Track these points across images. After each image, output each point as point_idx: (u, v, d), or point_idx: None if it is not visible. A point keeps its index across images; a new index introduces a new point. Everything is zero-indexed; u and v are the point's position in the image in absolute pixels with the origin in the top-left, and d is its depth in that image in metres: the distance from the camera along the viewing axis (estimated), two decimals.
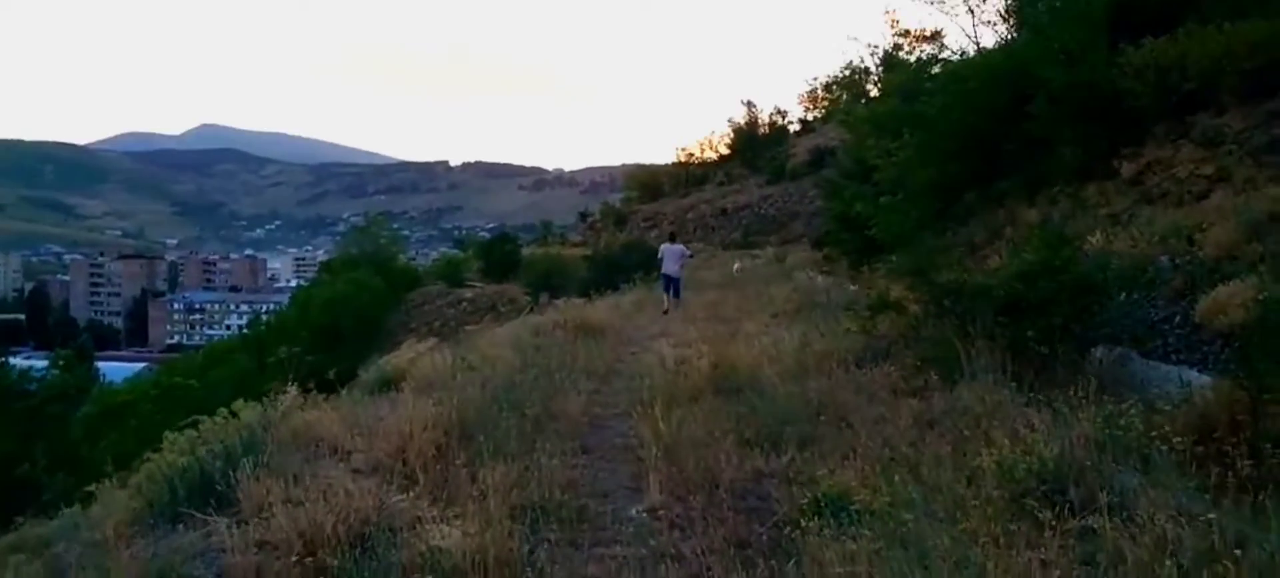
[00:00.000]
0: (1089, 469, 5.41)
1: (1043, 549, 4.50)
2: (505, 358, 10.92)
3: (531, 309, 46.69)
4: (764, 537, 5.54)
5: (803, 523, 5.30)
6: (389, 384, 10.61)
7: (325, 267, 74.38)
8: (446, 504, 5.90)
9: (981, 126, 21.90)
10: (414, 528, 5.45)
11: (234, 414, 7.69)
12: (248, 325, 74.46)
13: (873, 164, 22.25)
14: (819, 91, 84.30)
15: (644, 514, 6.08)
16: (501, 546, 5.07)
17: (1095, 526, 4.74)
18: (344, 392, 11.52)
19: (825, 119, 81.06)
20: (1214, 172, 13.24)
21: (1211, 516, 4.58)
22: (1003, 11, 26.91)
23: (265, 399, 8.72)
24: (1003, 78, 21.19)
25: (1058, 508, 4.97)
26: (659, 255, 22.62)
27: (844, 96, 50.57)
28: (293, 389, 8.63)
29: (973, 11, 27.70)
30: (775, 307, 17.58)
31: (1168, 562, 4.16)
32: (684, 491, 6.31)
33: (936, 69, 27.63)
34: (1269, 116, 13.67)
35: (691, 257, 23.60)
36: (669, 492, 6.31)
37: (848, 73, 45.58)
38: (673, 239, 23.81)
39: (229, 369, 53.87)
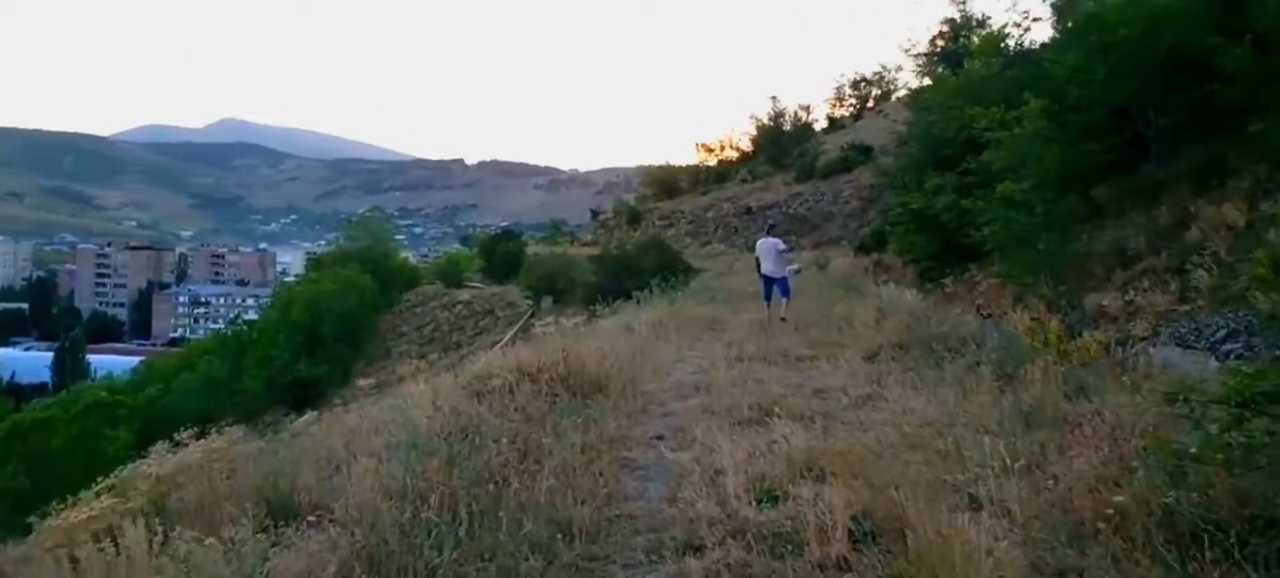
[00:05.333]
0: None
1: None
2: (377, 484, 5.06)
3: (532, 314, 41.62)
4: None
5: None
6: None
7: (315, 262, 68.84)
8: None
9: (1133, 93, 16.14)
10: None
11: None
12: (231, 322, 69.03)
13: (981, 138, 16.46)
14: (846, 89, 79.03)
15: None
16: None
17: None
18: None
19: (856, 116, 75.78)
20: None
21: None
22: None
23: None
24: (1166, 24, 15.44)
25: None
26: (756, 255, 17.47)
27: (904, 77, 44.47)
28: None
29: None
30: (862, 340, 11.75)
31: None
32: None
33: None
34: None
35: (789, 251, 17.75)
36: None
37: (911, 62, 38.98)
38: (771, 232, 18.08)
39: (197, 374, 48.69)
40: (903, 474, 5.24)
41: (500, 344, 24.20)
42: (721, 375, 9.66)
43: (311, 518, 5.04)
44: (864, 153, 54.72)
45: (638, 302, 19.80)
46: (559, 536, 4.74)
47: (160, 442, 7.38)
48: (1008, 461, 5.08)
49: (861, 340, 11.77)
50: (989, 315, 14.13)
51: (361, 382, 37.25)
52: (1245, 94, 13.79)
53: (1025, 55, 22.59)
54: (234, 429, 8.40)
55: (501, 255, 52.59)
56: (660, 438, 7.16)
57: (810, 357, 11.12)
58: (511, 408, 7.55)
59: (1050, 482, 5.06)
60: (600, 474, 5.86)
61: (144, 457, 7.51)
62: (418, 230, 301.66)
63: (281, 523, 5.10)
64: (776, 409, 7.43)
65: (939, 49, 33.49)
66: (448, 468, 5.32)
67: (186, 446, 6.81)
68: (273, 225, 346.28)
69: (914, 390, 8.28)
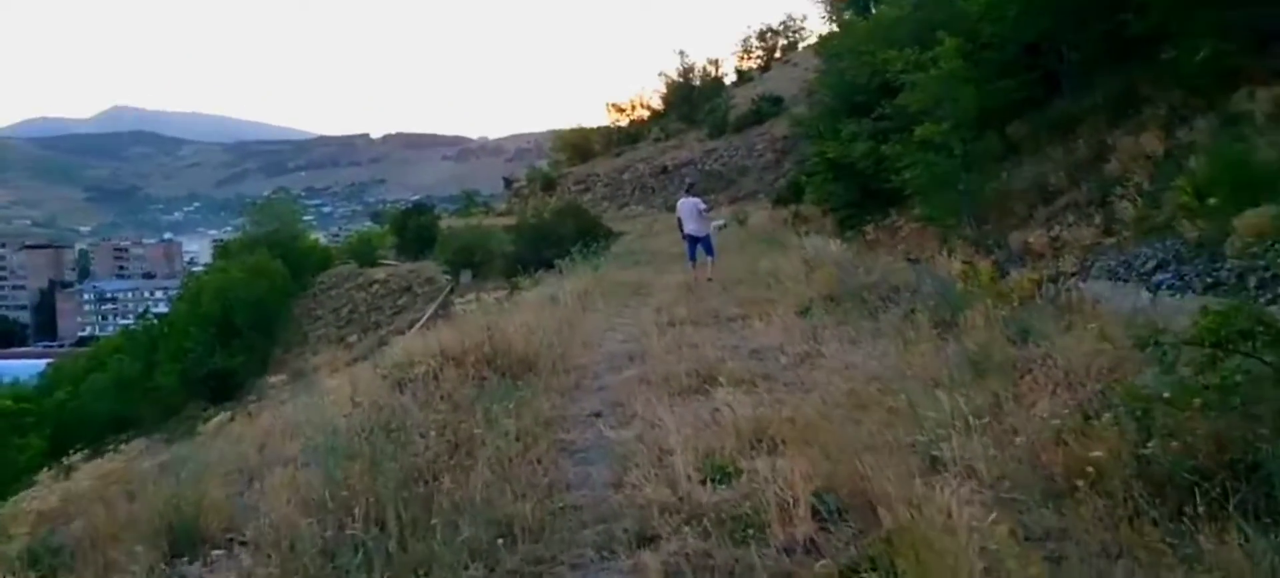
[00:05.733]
0: None
1: None
2: (294, 497, 4.57)
3: (452, 290, 40.80)
4: None
5: None
6: None
7: (222, 250, 66.74)
8: None
9: (1046, 28, 16.17)
10: None
11: None
12: (140, 317, 66.53)
13: (896, 82, 16.36)
14: (753, 40, 79.44)
15: None
16: None
17: None
18: None
19: (764, 67, 76.17)
20: None
21: None
22: None
23: None
24: None
25: None
26: (677, 215, 17.01)
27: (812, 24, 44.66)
28: None
29: None
30: (793, 294, 11.51)
31: None
32: None
33: None
34: None
35: (710, 210, 17.42)
36: None
37: None
38: (690, 191, 17.67)
39: (108, 374, 46.82)
40: (857, 438, 4.94)
41: (419, 324, 23.56)
42: (654, 343, 9.30)
43: (220, 548, 4.53)
44: (775, 104, 54.90)
45: (560, 270, 19.36)
46: (500, 538, 4.30)
47: (46, 468, 6.76)
48: (968, 416, 4.82)
49: (791, 295, 11.53)
50: (916, 260, 14.05)
51: (272, 378, 35.90)
52: (1155, 23, 13.86)
53: None
54: (133, 444, 7.78)
55: (414, 230, 51.51)
56: (598, 415, 6.77)
57: (742, 316, 10.85)
58: (437, 396, 7.07)
59: (1013, 436, 4.81)
60: (538, 462, 5.44)
61: (52, 467, 6.87)
62: (326, 210, 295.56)
63: (185, 555, 4.58)
64: (717, 376, 7.12)
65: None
66: (372, 472, 4.83)
67: (77, 470, 6.19)
68: (175, 215, 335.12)
69: (852, 345, 8.05)
